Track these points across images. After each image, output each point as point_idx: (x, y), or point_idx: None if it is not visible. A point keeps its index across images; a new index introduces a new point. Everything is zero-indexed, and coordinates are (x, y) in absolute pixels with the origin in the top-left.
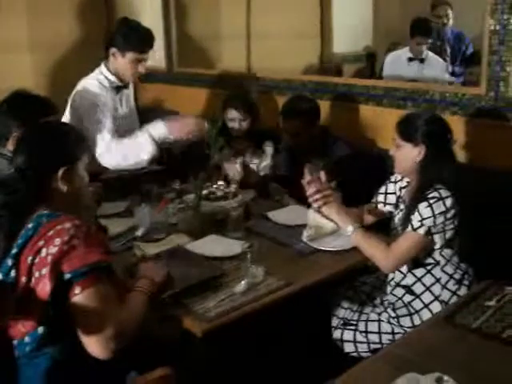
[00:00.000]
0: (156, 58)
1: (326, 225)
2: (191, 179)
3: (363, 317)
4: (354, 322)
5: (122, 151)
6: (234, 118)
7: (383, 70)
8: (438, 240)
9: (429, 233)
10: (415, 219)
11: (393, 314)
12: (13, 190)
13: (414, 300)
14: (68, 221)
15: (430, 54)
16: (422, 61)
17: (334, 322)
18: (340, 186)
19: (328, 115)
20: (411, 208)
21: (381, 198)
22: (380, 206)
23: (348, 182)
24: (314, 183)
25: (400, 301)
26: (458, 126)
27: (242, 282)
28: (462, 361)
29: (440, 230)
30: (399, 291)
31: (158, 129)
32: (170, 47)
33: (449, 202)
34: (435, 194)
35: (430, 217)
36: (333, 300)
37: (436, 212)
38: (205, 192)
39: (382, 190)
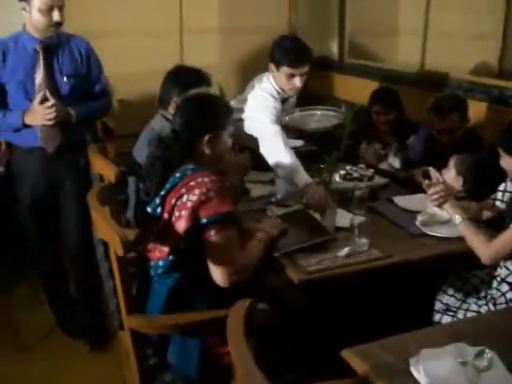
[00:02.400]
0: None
1: (440, 213)
2: (326, 158)
3: (464, 306)
4: (455, 309)
5: (273, 149)
6: (379, 111)
7: None
8: None
9: None
10: None
11: (492, 309)
12: (167, 147)
13: None
14: (207, 176)
15: None
16: None
17: (437, 306)
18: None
19: (479, 117)
20: None
21: (499, 195)
22: (497, 202)
23: (480, 180)
24: (439, 183)
25: (503, 297)
26: None
27: (346, 248)
28: None
29: None
30: (504, 287)
31: (299, 180)
32: (343, 38)
33: None
34: None
35: None
36: (440, 286)
37: None
38: (343, 172)
39: (501, 187)
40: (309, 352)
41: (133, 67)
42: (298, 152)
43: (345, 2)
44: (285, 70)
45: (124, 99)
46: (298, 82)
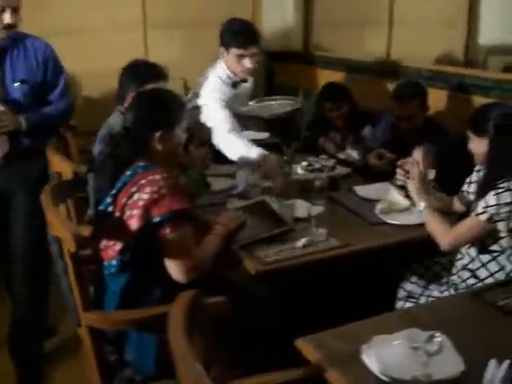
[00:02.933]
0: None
1: (401, 201)
2: (285, 149)
3: (426, 292)
4: (417, 296)
5: (223, 136)
6: (331, 108)
7: None
8: (502, 227)
9: (491, 220)
10: (480, 205)
11: (453, 294)
12: (117, 144)
13: (476, 284)
14: (158, 173)
15: None
16: None
17: (401, 293)
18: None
19: (440, 105)
20: (480, 194)
21: (466, 186)
22: (465, 194)
23: (446, 171)
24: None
25: (464, 283)
26: None
27: (303, 239)
28: (471, 329)
29: (505, 218)
30: (465, 274)
31: (255, 155)
32: (308, 29)
33: None
34: (505, 184)
35: (494, 205)
36: (403, 274)
37: (501, 201)
38: (304, 163)
39: (468, 179)
40: (268, 343)
41: (96, 63)
42: (261, 145)
43: None
44: (234, 51)
45: (88, 96)
46: (248, 63)
